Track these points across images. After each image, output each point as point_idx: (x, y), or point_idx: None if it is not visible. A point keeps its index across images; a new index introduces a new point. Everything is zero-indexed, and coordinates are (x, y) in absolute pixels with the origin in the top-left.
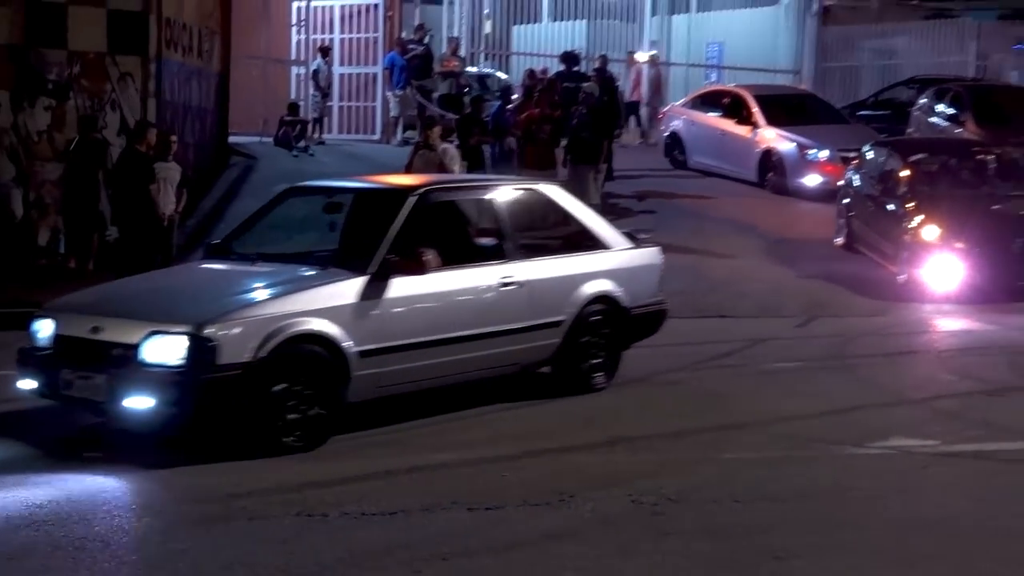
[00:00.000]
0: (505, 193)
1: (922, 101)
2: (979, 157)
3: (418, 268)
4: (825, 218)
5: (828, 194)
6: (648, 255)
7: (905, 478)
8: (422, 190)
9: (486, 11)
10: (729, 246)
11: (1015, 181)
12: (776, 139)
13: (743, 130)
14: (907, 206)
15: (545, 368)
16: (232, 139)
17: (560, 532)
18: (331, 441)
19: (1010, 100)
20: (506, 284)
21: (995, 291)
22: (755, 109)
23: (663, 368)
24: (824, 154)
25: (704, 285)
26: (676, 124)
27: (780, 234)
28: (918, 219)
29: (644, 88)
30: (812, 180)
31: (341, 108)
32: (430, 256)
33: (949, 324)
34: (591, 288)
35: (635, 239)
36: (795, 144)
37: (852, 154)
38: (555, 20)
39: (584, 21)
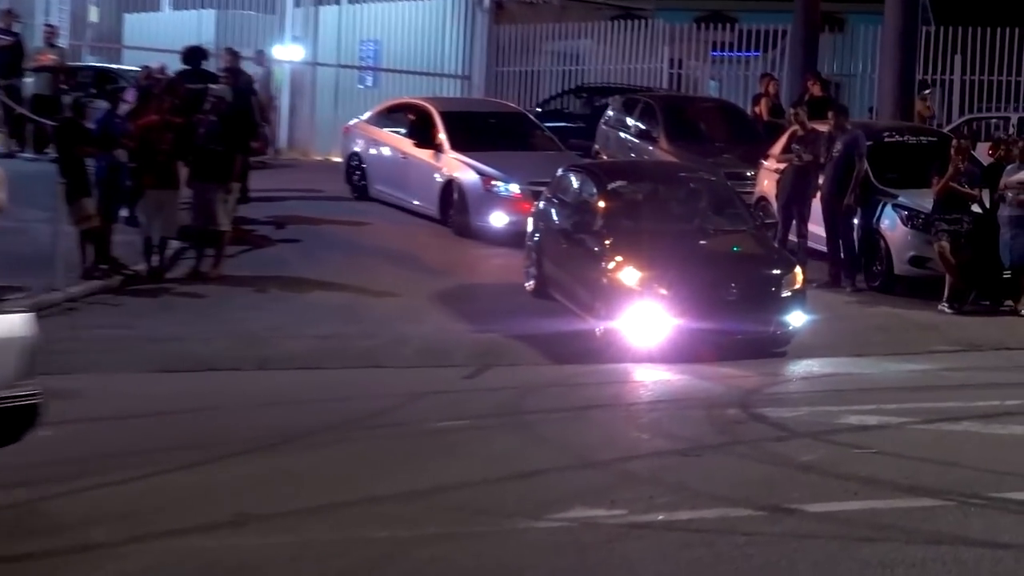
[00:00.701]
0: None
1: (609, 114)
2: (691, 185)
3: None
4: (516, 261)
5: (519, 237)
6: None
7: (587, 555)
8: None
9: None
10: (390, 283)
11: (711, 203)
12: (459, 167)
13: (425, 154)
14: (604, 243)
15: None
16: None
17: None
18: None
19: (706, 113)
20: None
21: (706, 347)
22: (439, 128)
23: (302, 430)
24: (513, 188)
25: (357, 329)
26: (358, 143)
27: (458, 274)
28: (616, 260)
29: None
30: (499, 219)
31: None
32: None
33: (642, 374)
34: None
35: None
36: (479, 175)
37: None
38: (176, 8)
39: (213, 11)
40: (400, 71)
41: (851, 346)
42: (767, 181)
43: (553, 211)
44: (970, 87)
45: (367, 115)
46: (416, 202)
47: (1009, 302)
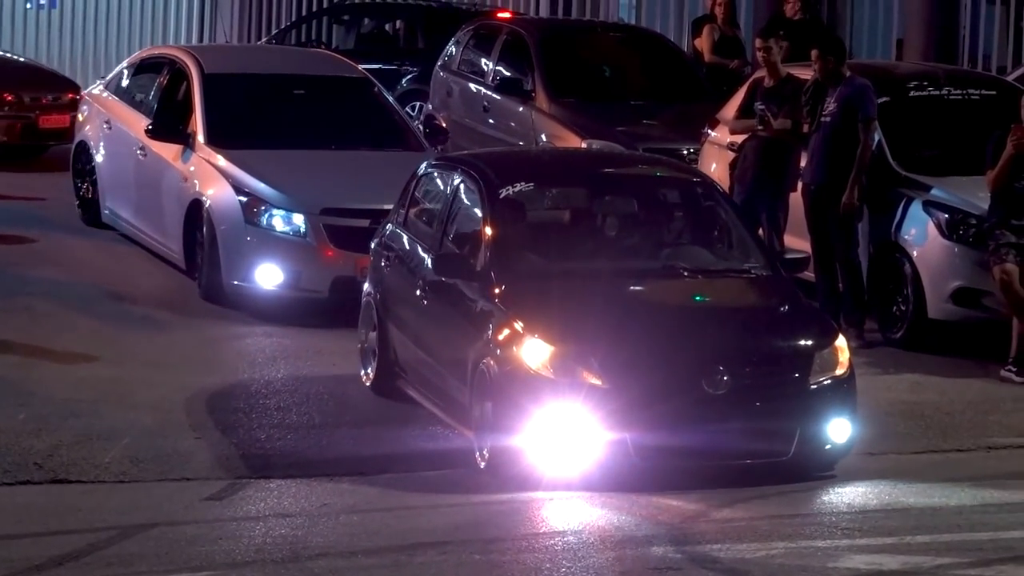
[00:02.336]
0: None
1: (452, 51)
2: (655, 191)
3: None
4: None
5: (313, 310)
6: None
7: None
8: None
9: None
10: (82, 341)
11: (690, 224)
12: (212, 178)
13: (169, 151)
14: (493, 297)
15: None
16: None
17: None
18: None
19: (614, 51)
20: None
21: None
22: (195, 105)
23: None
24: (297, 220)
25: (26, 418)
26: (89, 128)
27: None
28: (513, 325)
29: None
30: (269, 277)
31: None
32: None
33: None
34: None
35: None
36: (240, 194)
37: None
38: None
39: None
40: None
41: (857, 439)
42: (715, 163)
43: (404, 245)
44: None
45: (108, 76)
46: (155, 237)
47: None
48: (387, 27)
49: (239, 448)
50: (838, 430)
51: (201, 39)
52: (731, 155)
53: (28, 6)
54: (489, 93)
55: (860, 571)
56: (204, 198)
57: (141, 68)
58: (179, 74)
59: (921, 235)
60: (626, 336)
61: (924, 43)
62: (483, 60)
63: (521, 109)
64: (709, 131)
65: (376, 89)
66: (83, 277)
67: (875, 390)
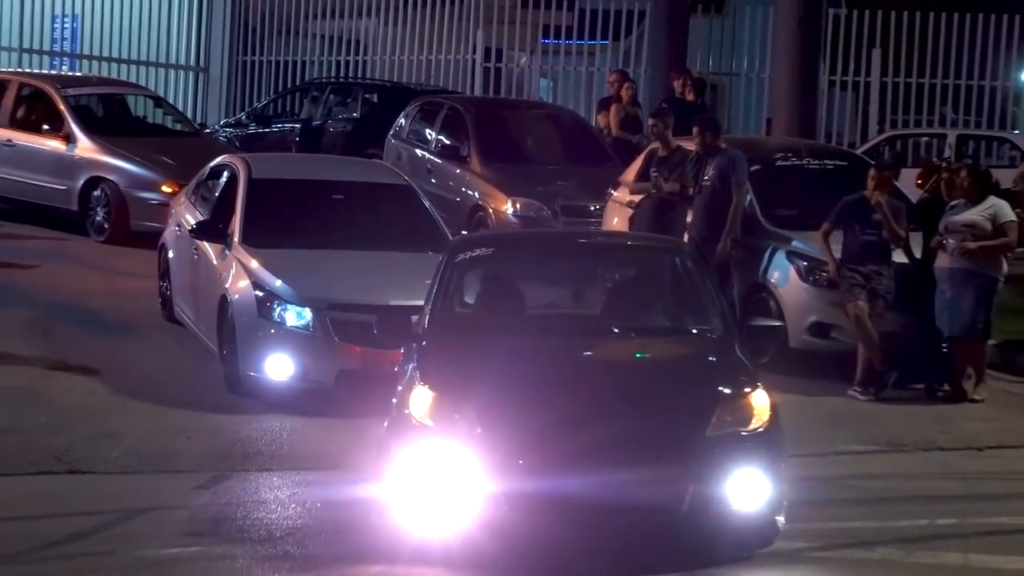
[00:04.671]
0: None
1: (401, 122)
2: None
3: None
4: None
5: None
6: None
7: None
8: None
9: None
10: (91, 356)
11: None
12: (237, 275)
13: (213, 249)
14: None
15: None
16: None
17: None
18: None
19: (535, 124)
20: None
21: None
22: (238, 202)
23: None
24: (306, 314)
25: (45, 420)
26: (171, 224)
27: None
28: (411, 376)
29: None
30: (278, 368)
31: None
32: None
33: None
34: None
35: None
36: (256, 288)
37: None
38: None
39: None
40: (107, 59)
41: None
42: (617, 218)
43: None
44: (892, 92)
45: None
46: (201, 330)
47: (946, 386)
48: (348, 101)
49: (224, 446)
50: (746, 488)
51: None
52: (630, 211)
53: None
54: (432, 157)
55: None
56: (229, 293)
57: (212, 173)
58: (233, 178)
59: (784, 278)
60: (514, 382)
61: (788, 122)
62: (427, 130)
63: (458, 171)
64: (612, 191)
65: (414, 195)
66: (84, 298)
67: None
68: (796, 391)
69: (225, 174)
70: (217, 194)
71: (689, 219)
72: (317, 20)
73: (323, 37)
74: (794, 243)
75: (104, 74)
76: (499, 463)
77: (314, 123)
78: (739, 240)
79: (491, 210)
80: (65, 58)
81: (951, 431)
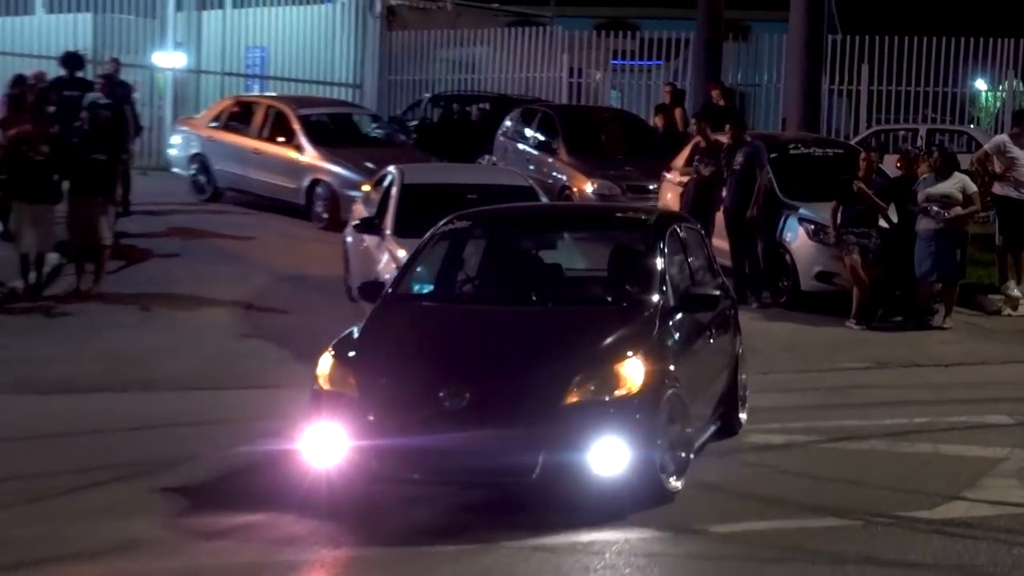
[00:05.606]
0: None
1: (507, 124)
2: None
3: None
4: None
5: None
6: None
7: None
8: None
9: None
10: (280, 300)
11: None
12: (389, 259)
13: (373, 241)
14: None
15: None
16: None
17: None
18: None
19: (607, 124)
20: None
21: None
22: (391, 204)
23: (186, 454)
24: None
25: (246, 347)
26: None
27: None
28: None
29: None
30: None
31: None
32: None
33: None
34: None
35: None
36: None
37: None
38: (51, 12)
39: (89, 14)
40: (288, 79)
41: (756, 363)
42: (670, 194)
43: None
44: (877, 97)
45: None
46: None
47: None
48: (465, 109)
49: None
50: (605, 455)
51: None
52: (680, 190)
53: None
54: (530, 150)
55: (758, 444)
56: (381, 276)
57: (379, 179)
58: (392, 183)
59: (795, 237)
60: (394, 350)
61: (799, 121)
62: (526, 130)
63: (550, 160)
64: (666, 174)
65: (534, 194)
66: (273, 258)
67: (765, 334)
68: (806, 323)
69: (387, 179)
70: (380, 195)
71: (724, 195)
72: (443, 48)
73: (447, 61)
74: (802, 211)
75: (284, 90)
76: (367, 424)
77: (441, 124)
78: (761, 209)
79: (575, 189)
80: (256, 79)
81: (925, 352)
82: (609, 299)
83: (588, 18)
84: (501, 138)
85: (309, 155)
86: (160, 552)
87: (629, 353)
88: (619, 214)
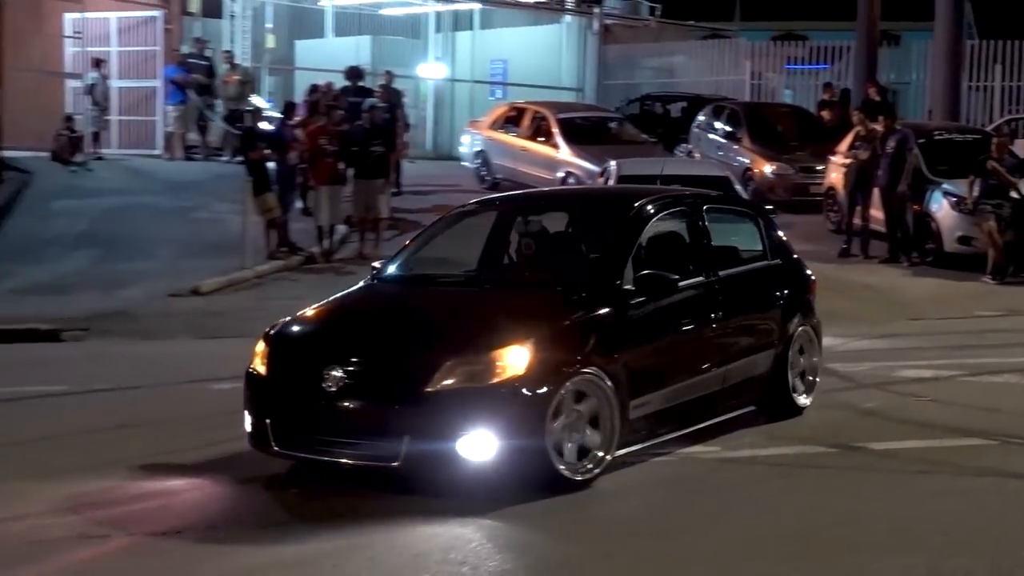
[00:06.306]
0: None
1: (701, 118)
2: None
3: None
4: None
5: None
6: None
7: (685, 484)
8: None
9: (268, 25)
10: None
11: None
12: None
13: None
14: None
15: None
16: (5, 153)
17: None
18: None
19: (782, 117)
20: None
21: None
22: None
23: None
24: None
25: None
26: None
27: None
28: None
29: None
30: None
31: (120, 122)
32: None
33: None
34: None
35: None
36: None
37: None
38: (338, 35)
39: (368, 37)
40: (524, 85)
41: (907, 311)
42: (835, 174)
43: None
44: (1009, 92)
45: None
46: None
47: None
48: (668, 107)
49: None
50: (475, 444)
51: None
52: (842, 170)
53: (490, 98)
54: (719, 139)
55: (910, 378)
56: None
57: (602, 172)
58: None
59: (940, 208)
60: (312, 333)
61: (942, 113)
62: (716, 122)
63: (736, 147)
64: (831, 157)
65: (728, 183)
66: None
67: (914, 287)
68: (949, 279)
69: (608, 171)
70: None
71: (879, 174)
72: (648, 58)
73: (652, 68)
74: (945, 186)
75: (518, 93)
76: (270, 402)
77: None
78: (911, 185)
79: (757, 171)
80: (499, 86)
81: None
82: (542, 283)
83: (766, 31)
84: (695, 130)
85: (563, 152)
86: None
87: (513, 340)
88: (603, 197)
